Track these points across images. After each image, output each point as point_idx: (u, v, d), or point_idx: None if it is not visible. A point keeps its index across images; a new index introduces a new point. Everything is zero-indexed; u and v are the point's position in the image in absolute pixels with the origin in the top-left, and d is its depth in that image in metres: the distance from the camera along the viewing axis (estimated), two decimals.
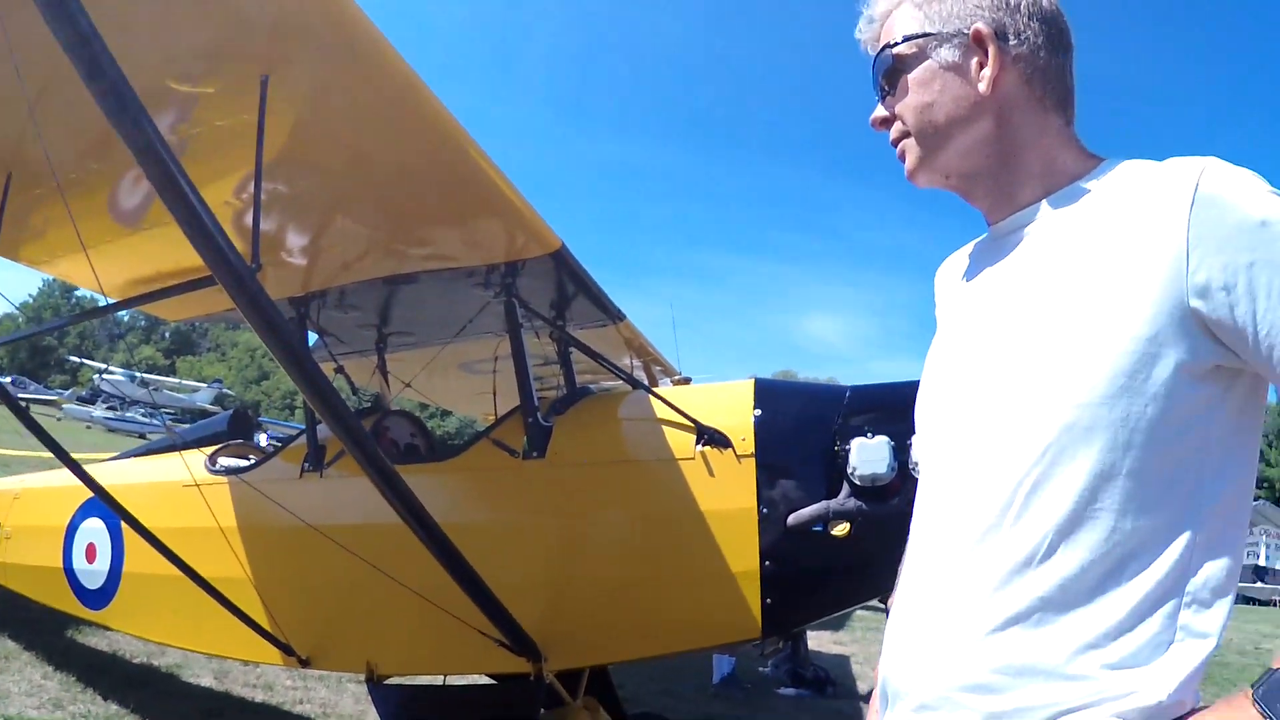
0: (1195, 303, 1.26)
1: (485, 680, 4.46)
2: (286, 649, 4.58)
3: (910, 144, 1.59)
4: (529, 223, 3.90)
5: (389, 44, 2.99)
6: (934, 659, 1.42)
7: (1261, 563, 40.97)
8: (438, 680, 4.46)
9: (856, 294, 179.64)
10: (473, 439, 4.50)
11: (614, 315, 5.05)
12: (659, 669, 8.37)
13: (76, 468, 4.45)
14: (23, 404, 4.73)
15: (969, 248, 1.72)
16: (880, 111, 1.63)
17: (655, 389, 4.50)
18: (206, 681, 6.79)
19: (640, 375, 6.80)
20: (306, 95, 3.18)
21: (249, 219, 3.49)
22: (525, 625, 3.85)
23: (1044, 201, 1.51)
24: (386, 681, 4.48)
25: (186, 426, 6.55)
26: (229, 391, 72.14)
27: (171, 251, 4.27)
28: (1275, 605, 36.32)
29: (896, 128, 1.60)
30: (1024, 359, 1.38)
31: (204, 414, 44.57)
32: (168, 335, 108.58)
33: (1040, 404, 1.34)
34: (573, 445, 4.24)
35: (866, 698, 9.04)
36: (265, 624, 4.56)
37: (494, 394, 6.78)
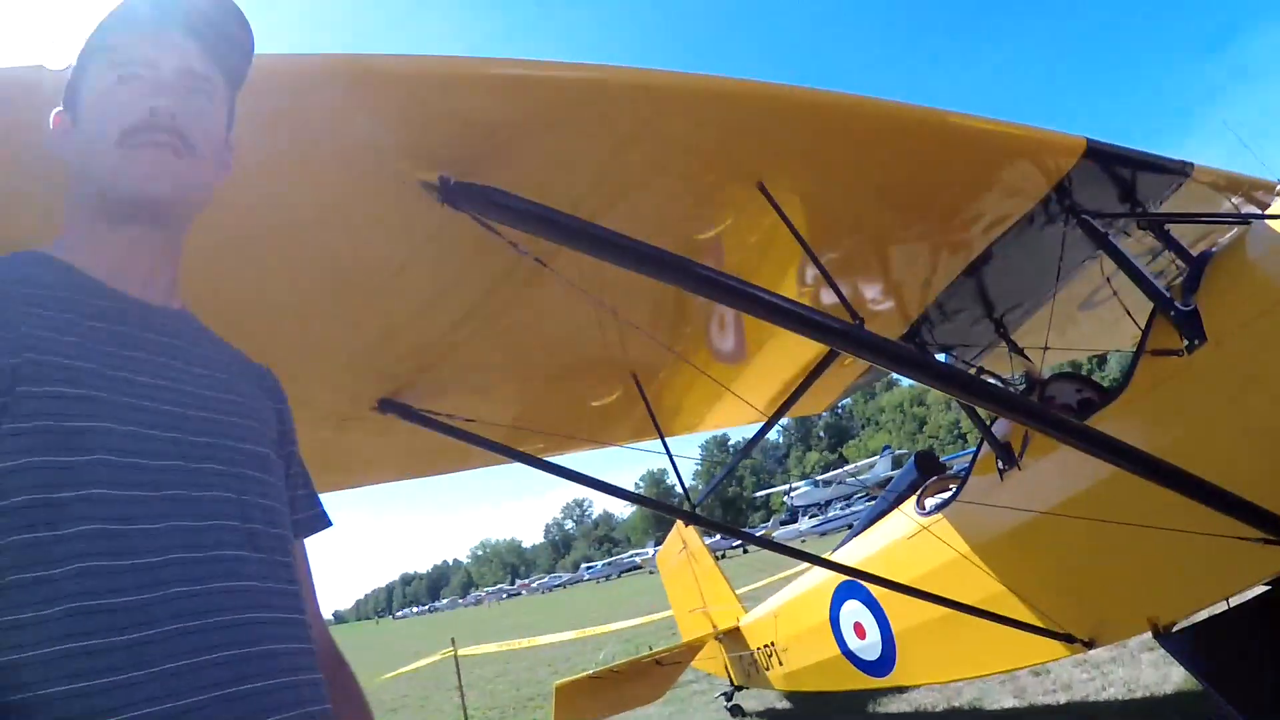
0: None
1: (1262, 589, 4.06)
2: (1067, 638, 4.66)
3: None
4: (1041, 141, 3.76)
5: (862, 99, 3.15)
6: None
7: None
8: (1219, 608, 4.16)
9: None
10: (1130, 365, 4.25)
11: (1180, 170, 4.46)
12: None
13: (829, 563, 5.34)
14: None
15: None
16: None
17: (1272, 214, 3.96)
18: (1008, 703, 7.02)
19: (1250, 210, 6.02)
20: (804, 174, 3.46)
21: (824, 295, 3.88)
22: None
23: None
24: (1175, 630, 4.26)
25: (883, 492, 7.09)
26: (901, 450, 74.94)
27: (777, 361, 4.90)
28: None
29: None
30: None
31: (889, 481, 46.32)
32: (823, 435, 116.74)
33: None
34: (1230, 311, 3.82)
35: None
36: (1039, 623, 4.70)
37: (1127, 312, 6.43)
